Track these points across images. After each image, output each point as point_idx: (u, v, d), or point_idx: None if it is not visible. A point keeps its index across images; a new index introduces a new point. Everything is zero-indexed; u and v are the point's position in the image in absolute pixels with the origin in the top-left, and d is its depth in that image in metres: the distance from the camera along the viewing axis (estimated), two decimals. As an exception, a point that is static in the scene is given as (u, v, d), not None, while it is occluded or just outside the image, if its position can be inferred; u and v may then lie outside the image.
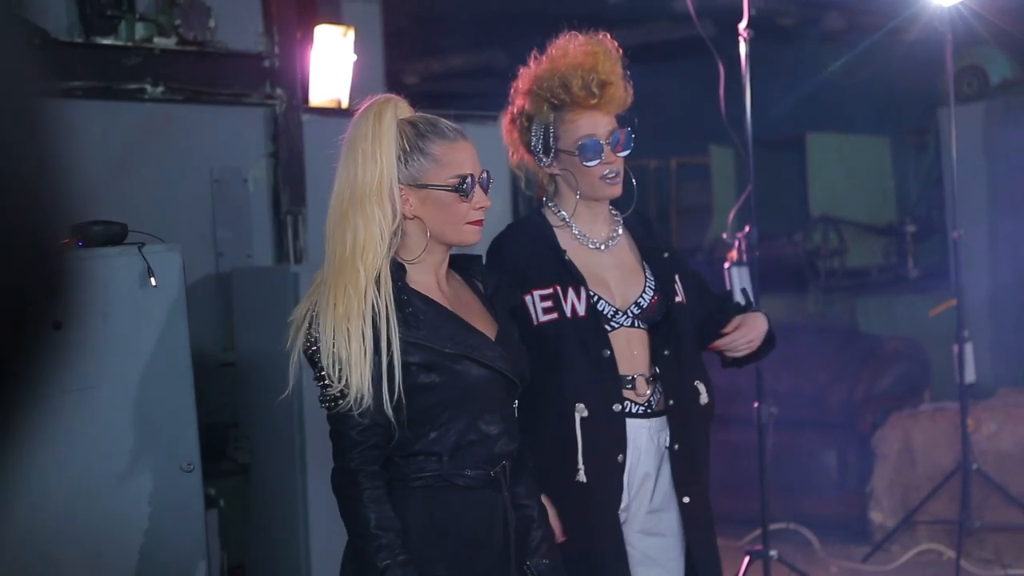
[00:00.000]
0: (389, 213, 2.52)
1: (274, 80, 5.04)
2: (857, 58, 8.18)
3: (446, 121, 2.64)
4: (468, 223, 2.61)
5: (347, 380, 2.46)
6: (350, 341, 2.46)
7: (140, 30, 4.71)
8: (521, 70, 3.14)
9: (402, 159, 2.55)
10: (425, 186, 2.57)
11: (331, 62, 5.63)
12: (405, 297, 2.55)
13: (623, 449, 3.01)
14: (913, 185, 8.66)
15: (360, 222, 2.50)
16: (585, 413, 2.96)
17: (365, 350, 2.46)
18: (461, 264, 2.78)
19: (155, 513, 3.60)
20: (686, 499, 3.04)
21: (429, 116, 2.64)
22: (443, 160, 2.57)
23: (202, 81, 4.83)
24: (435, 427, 2.56)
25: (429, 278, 2.64)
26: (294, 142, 5.06)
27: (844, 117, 8.71)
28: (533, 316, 3.00)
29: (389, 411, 2.49)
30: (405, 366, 2.51)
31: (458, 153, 2.59)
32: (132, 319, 3.58)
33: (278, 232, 5.02)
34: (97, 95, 4.58)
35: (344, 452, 2.52)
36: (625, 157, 3.11)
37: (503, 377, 2.62)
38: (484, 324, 2.67)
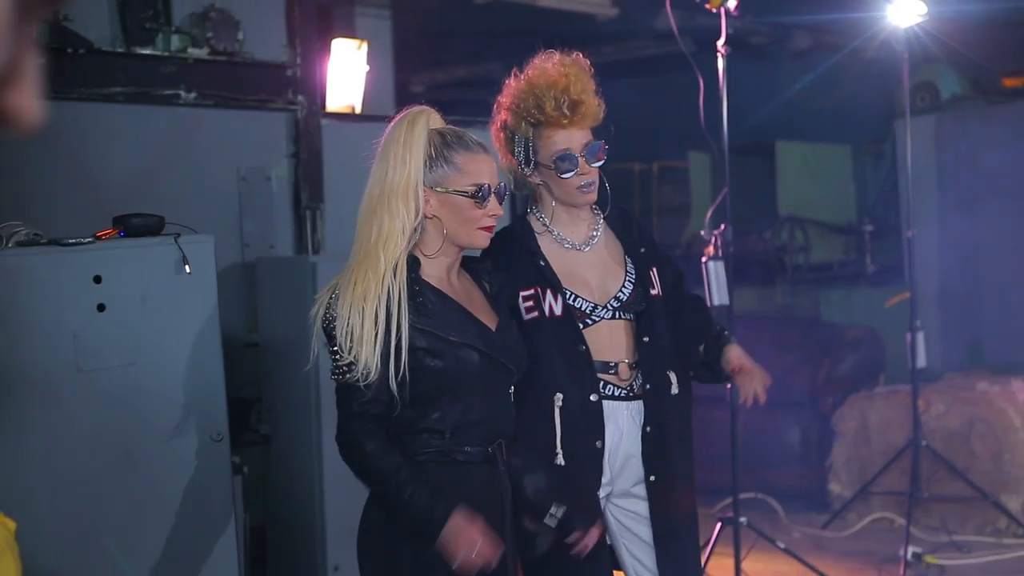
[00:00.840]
0: (412, 211, 2.58)
1: (296, 88, 5.04)
2: (822, 74, 8.20)
3: (471, 135, 2.70)
4: (480, 228, 2.67)
5: (357, 353, 2.50)
6: (363, 319, 2.51)
7: (176, 41, 4.71)
8: (505, 84, 3.11)
9: (428, 164, 2.60)
10: (446, 190, 2.62)
11: (346, 72, 5.64)
12: (417, 288, 2.59)
13: (601, 435, 3.00)
14: (871, 189, 8.66)
15: (386, 216, 2.56)
16: (561, 403, 2.96)
17: (377, 329, 2.51)
18: (472, 265, 2.82)
19: (188, 478, 3.60)
20: (652, 478, 3.03)
21: (457, 129, 2.70)
22: (464, 169, 2.62)
23: (231, 88, 4.83)
24: (438, 408, 2.59)
25: (441, 273, 2.69)
26: (313, 144, 5.06)
27: (809, 127, 8.70)
28: (520, 314, 3.02)
29: (394, 387, 2.53)
30: (412, 349, 2.54)
31: (478, 164, 2.65)
32: (168, 303, 3.58)
33: (298, 226, 5.02)
34: (136, 100, 4.58)
35: (346, 420, 2.57)
36: (600, 166, 3.08)
37: (501, 365, 2.66)
38: (487, 317, 2.71)
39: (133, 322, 3.51)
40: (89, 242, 3.48)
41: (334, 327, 2.55)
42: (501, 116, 3.12)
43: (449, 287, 2.69)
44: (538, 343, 2.96)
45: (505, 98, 3.10)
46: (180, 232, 3.62)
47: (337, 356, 2.55)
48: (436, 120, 2.67)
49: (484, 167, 2.66)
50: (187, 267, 3.57)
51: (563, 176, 3.03)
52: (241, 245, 4.86)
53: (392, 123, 2.65)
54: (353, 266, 2.58)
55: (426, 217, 2.63)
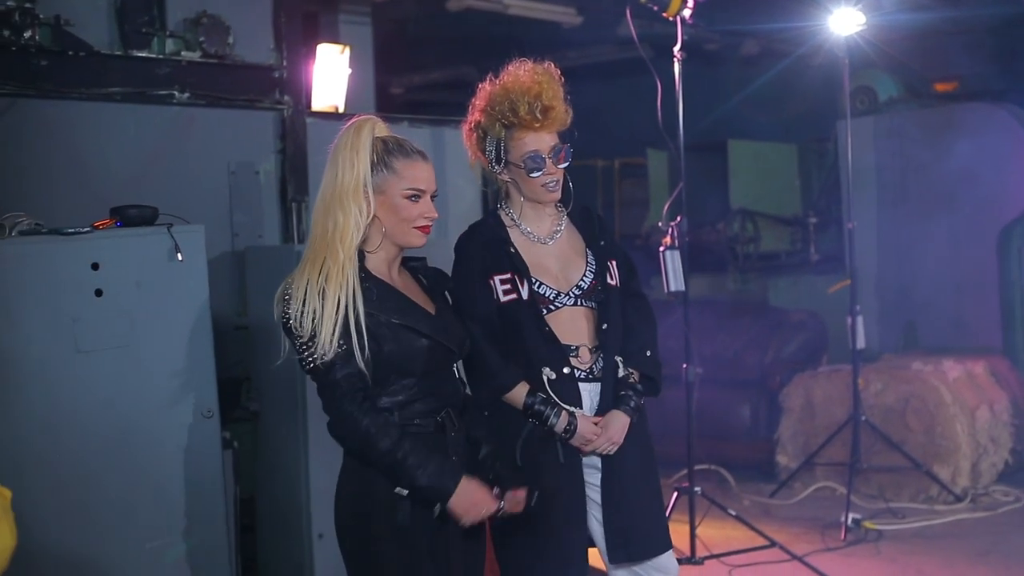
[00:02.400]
0: (364, 209, 2.63)
1: (282, 88, 4.99)
2: (770, 78, 8.21)
3: (411, 143, 2.75)
4: (415, 227, 2.71)
5: (316, 332, 2.52)
6: (325, 301, 2.54)
7: (170, 45, 4.65)
8: (478, 87, 3.13)
9: (371, 168, 2.65)
10: (385, 191, 2.66)
11: (330, 74, 5.58)
12: (363, 275, 2.63)
13: (579, 403, 3.04)
14: (815, 184, 8.69)
15: (340, 214, 2.61)
16: (553, 376, 2.99)
17: (337, 311, 2.54)
18: (410, 263, 2.85)
19: (181, 452, 3.56)
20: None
21: (399, 137, 2.75)
22: (402, 174, 2.67)
23: (222, 88, 4.77)
24: (385, 387, 2.62)
25: (382, 267, 2.73)
26: (299, 141, 5.02)
27: (759, 127, 8.71)
28: (496, 296, 3.02)
29: (362, 364, 2.55)
30: (358, 329, 2.56)
31: (415, 170, 2.69)
32: (162, 288, 3.54)
33: (284, 217, 4.97)
34: (133, 100, 4.52)
35: (337, 400, 2.57)
36: (565, 168, 3.11)
37: (442, 346, 2.69)
38: (426, 305, 2.75)
39: (129, 306, 3.47)
40: (87, 231, 3.44)
41: (294, 316, 2.55)
42: (474, 117, 3.13)
43: (390, 279, 2.73)
44: (516, 322, 3.00)
45: (479, 101, 3.11)
46: (173, 222, 3.58)
47: (304, 345, 2.56)
48: (381, 128, 2.72)
49: (421, 173, 2.70)
50: (179, 255, 3.54)
51: (531, 175, 3.05)
52: (231, 235, 4.82)
53: (341, 131, 2.69)
54: (310, 258, 2.61)
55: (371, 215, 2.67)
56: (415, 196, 2.68)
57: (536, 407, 2.97)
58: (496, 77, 3.11)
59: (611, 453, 3.04)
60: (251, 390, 4.49)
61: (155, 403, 3.51)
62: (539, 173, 3.05)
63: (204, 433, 3.60)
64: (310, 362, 2.57)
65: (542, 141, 3.06)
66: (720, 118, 8.09)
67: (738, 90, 8.39)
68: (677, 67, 5.04)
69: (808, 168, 8.76)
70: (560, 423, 2.97)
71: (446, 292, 2.90)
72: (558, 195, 3.12)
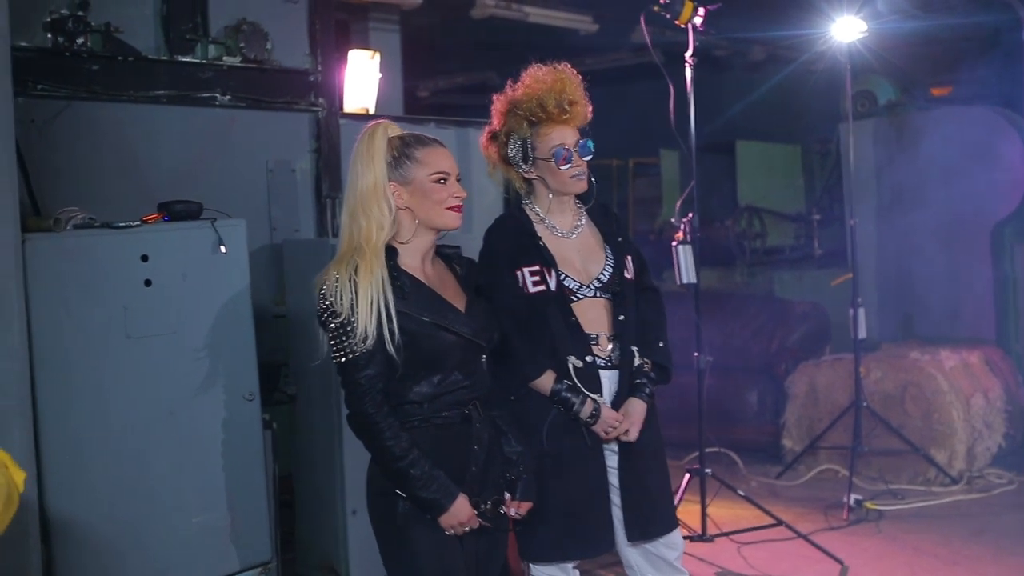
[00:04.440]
0: (386, 208, 2.63)
1: (317, 92, 4.99)
2: (776, 83, 8.17)
3: (427, 134, 2.76)
4: (448, 208, 2.69)
5: (356, 319, 2.53)
6: (358, 292, 2.55)
7: (212, 51, 4.66)
8: (495, 97, 3.14)
9: (393, 164, 2.66)
10: (412, 181, 2.65)
11: (361, 78, 5.59)
12: (395, 274, 2.62)
13: (600, 391, 3.04)
14: (818, 183, 8.65)
15: (362, 218, 2.62)
16: (580, 364, 2.98)
17: (372, 300, 2.54)
18: (446, 253, 2.84)
19: (223, 433, 3.57)
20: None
21: (414, 132, 2.76)
22: (424, 161, 2.67)
23: (260, 92, 4.78)
24: (416, 381, 2.62)
25: (416, 261, 2.71)
26: (332, 141, 5.02)
27: (765, 129, 8.68)
28: (526, 287, 3.01)
29: (392, 350, 2.56)
30: (389, 321, 2.56)
31: (437, 156, 2.70)
32: (206, 278, 3.54)
33: (319, 212, 4.98)
34: (178, 102, 4.52)
35: (358, 399, 2.58)
36: (588, 160, 3.12)
37: (470, 341, 2.68)
38: (457, 299, 2.73)
39: (175, 296, 3.48)
40: (137, 225, 3.45)
41: (331, 307, 2.56)
42: (495, 123, 3.14)
43: (423, 274, 2.71)
44: (544, 312, 2.99)
45: (500, 106, 3.12)
46: (216, 217, 3.59)
47: (335, 336, 2.56)
48: (394, 129, 2.73)
49: (443, 157, 2.71)
50: (222, 247, 3.54)
51: (561, 168, 3.04)
52: (270, 229, 4.83)
53: (357, 139, 2.70)
54: (342, 258, 2.62)
55: (399, 209, 2.67)
56: (442, 179, 2.68)
57: (563, 394, 2.96)
58: (516, 82, 3.13)
59: (633, 438, 3.04)
60: (288, 375, 4.50)
61: (200, 386, 3.52)
62: (568, 165, 3.06)
63: (246, 415, 3.61)
64: (339, 355, 2.58)
65: (567, 135, 3.07)
66: (729, 120, 8.06)
67: (746, 94, 8.36)
68: (688, 72, 5.02)
69: (811, 168, 8.72)
70: (585, 410, 2.97)
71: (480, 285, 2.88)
72: (584, 185, 3.12)
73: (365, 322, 2.53)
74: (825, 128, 8.25)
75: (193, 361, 3.51)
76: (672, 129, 5.05)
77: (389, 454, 2.57)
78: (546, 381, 2.97)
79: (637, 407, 3.04)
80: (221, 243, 3.54)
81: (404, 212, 2.67)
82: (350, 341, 2.54)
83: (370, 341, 2.53)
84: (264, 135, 4.84)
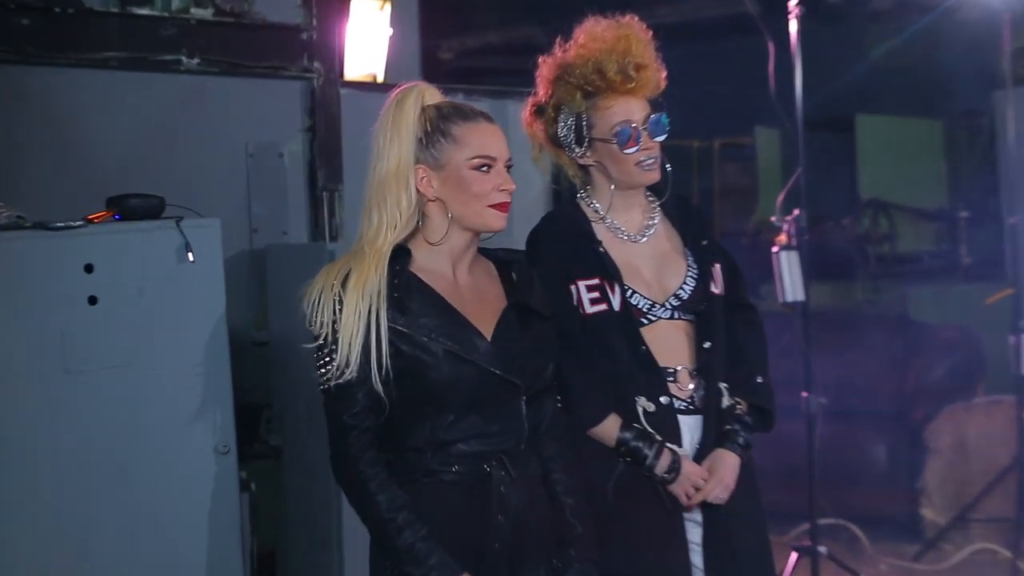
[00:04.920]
0: (404, 198, 2.62)
1: (312, 53, 5.02)
2: (909, 37, 8.11)
3: (472, 105, 2.73)
4: (490, 206, 2.67)
5: (337, 345, 2.54)
6: (344, 308, 2.54)
7: (176, 1, 4.70)
8: (542, 59, 3.14)
9: (424, 141, 2.64)
10: (446, 166, 2.64)
11: (368, 36, 5.62)
12: (397, 281, 2.60)
13: (679, 441, 3.02)
14: (966, 169, 8.59)
15: (378, 205, 2.62)
16: (652, 408, 2.97)
17: (358, 320, 2.54)
18: (501, 258, 2.82)
19: (189, 496, 3.59)
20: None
21: (455, 101, 2.74)
22: (464, 140, 2.65)
23: (238, 53, 4.81)
24: (417, 421, 2.61)
25: (443, 266, 2.69)
26: (331, 116, 5.05)
27: (895, 99, 8.63)
28: (581, 305, 3.01)
29: (378, 385, 2.55)
30: (379, 344, 2.56)
31: (480, 135, 2.66)
32: (169, 295, 3.56)
33: (314, 209, 5.01)
34: (132, 66, 4.56)
35: (340, 437, 2.60)
36: (662, 142, 3.11)
37: (496, 377, 2.64)
38: (487, 318, 2.70)
39: (129, 317, 3.50)
40: (79, 226, 3.47)
41: (312, 322, 2.59)
42: (541, 93, 3.15)
43: (450, 283, 2.69)
44: (606, 339, 2.97)
45: (548, 71, 3.12)
46: (182, 215, 3.61)
47: (317, 360, 2.60)
48: (433, 95, 2.71)
49: (488, 137, 2.67)
50: (190, 255, 3.56)
51: (626, 152, 3.04)
52: (249, 230, 4.88)
53: (384, 105, 2.69)
54: (334, 263, 2.65)
55: (428, 200, 2.66)
56: (485, 166, 2.65)
57: (632, 444, 2.95)
58: (567, 41, 3.12)
59: (722, 501, 3.01)
60: (273, 420, 4.53)
61: (159, 435, 3.53)
62: (634, 148, 3.05)
63: (218, 473, 3.62)
64: (321, 383, 2.61)
65: (633, 109, 3.07)
66: (847, 88, 8.01)
67: (869, 53, 8.32)
68: (793, 24, 5.01)
69: (957, 149, 8.68)
70: (661, 463, 2.95)
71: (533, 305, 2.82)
72: (657, 176, 3.11)
73: (347, 347, 2.54)
74: (975, 97, 8.19)
75: (151, 403, 3.52)
76: (772, 100, 5.04)
77: (374, 511, 2.57)
78: (609, 428, 2.96)
79: (728, 461, 3.02)
80: (189, 249, 3.56)
81: (434, 204, 2.67)
82: (330, 368, 2.57)
83: (351, 372, 2.54)
84: (243, 110, 4.88)
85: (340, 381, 2.55)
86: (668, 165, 3.14)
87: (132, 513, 3.49)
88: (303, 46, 5.01)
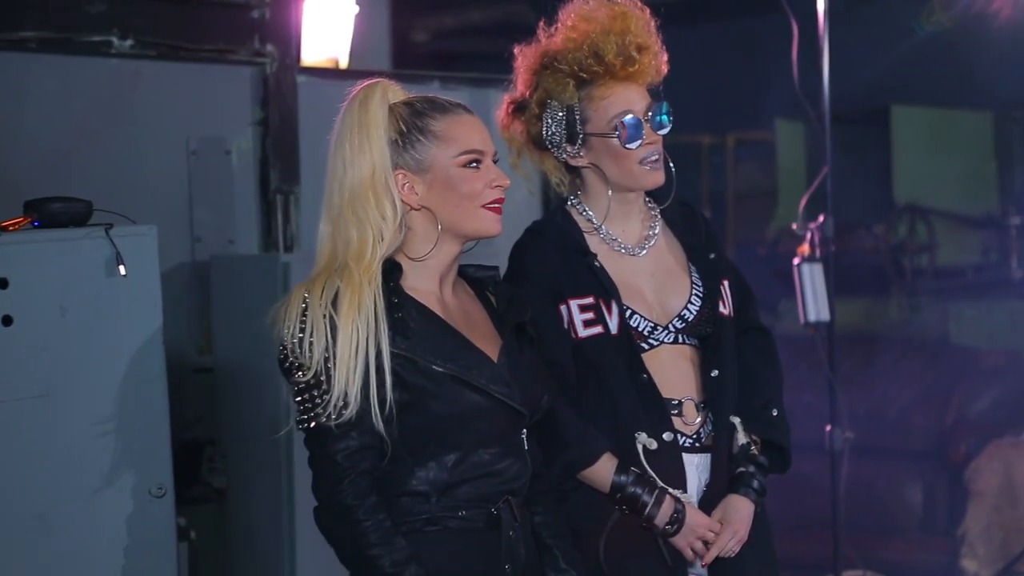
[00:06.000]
0: (388, 209, 2.62)
1: (264, 34, 5.02)
2: (953, 18, 8.15)
3: (446, 97, 2.75)
4: (484, 206, 2.68)
5: (334, 375, 2.52)
6: (336, 335, 2.53)
7: (107, -28, 4.71)
8: (518, 50, 3.15)
9: (400, 143, 2.66)
10: (430, 168, 2.66)
11: (329, 15, 5.62)
12: (396, 300, 2.61)
13: (683, 484, 3.03)
14: (1019, 170, 8.62)
15: (355, 224, 2.61)
16: (654, 446, 2.98)
17: (357, 348, 2.53)
18: (475, 276, 2.84)
19: (118, 546, 3.55)
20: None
21: (427, 95, 2.75)
22: (447, 136, 2.67)
23: (179, 34, 4.82)
24: (421, 461, 2.61)
25: (430, 284, 2.71)
26: (287, 108, 5.05)
27: (936, 88, 8.67)
28: (573, 328, 3.02)
29: (379, 424, 2.55)
30: (380, 377, 2.55)
31: (463, 128, 2.69)
32: (96, 314, 3.53)
33: (266, 214, 5.01)
34: (54, 48, 4.56)
35: (331, 483, 2.57)
36: (664, 136, 3.12)
37: (504, 406, 2.66)
38: (489, 344, 2.72)
39: (49, 340, 3.48)
40: (-9, 234, 3.47)
41: (294, 356, 2.57)
42: (520, 88, 3.16)
43: (439, 303, 2.71)
44: (602, 366, 2.99)
45: (529, 60, 3.14)
46: (113, 222, 3.59)
47: (301, 395, 2.57)
48: (396, 92, 2.72)
49: (472, 130, 2.70)
50: (122, 268, 3.54)
51: (629, 146, 3.04)
52: (191, 239, 4.87)
53: (343, 108, 2.69)
54: (313, 280, 2.61)
55: (411, 209, 2.67)
56: (474, 162, 2.68)
57: (629, 490, 2.95)
58: (550, 25, 3.13)
59: (733, 554, 3.02)
60: (216, 458, 4.53)
61: (83, 476, 3.50)
62: (638, 142, 3.05)
63: (152, 518, 3.60)
64: (305, 420, 2.58)
65: (633, 99, 3.08)
66: (881, 76, 8.06)
67: (907, 36, 8.35)
68: (822, 1, 5.03)
69: (1008, 147, 8.70)
70: (663, 513, 2.96)
71: (526, 323, 2.84)
72: (661, 176, 3.11)
73: (345, 381, 2.53)
74: (1029, 87, 8.24)
75: (74, 439, 3.50)
76: (795, 89, 5.06)
77: (374, 569, 2.55)
78: (602, 471, 2.96)
79: (741, 509, 3.03)
80: (120, 261, 3.55)
81: (419, 214, 2.68)
82: (320, 404, 2.56)
83: (352, 409, 2.54)
84: (184, 99, 4.88)
85: (333, 418, 2.54)
86: (672, 165, 3.15)
87: (53, 566, 3.47)
88: (254, 26, 5.02)
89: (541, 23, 3.15)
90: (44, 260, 3.51)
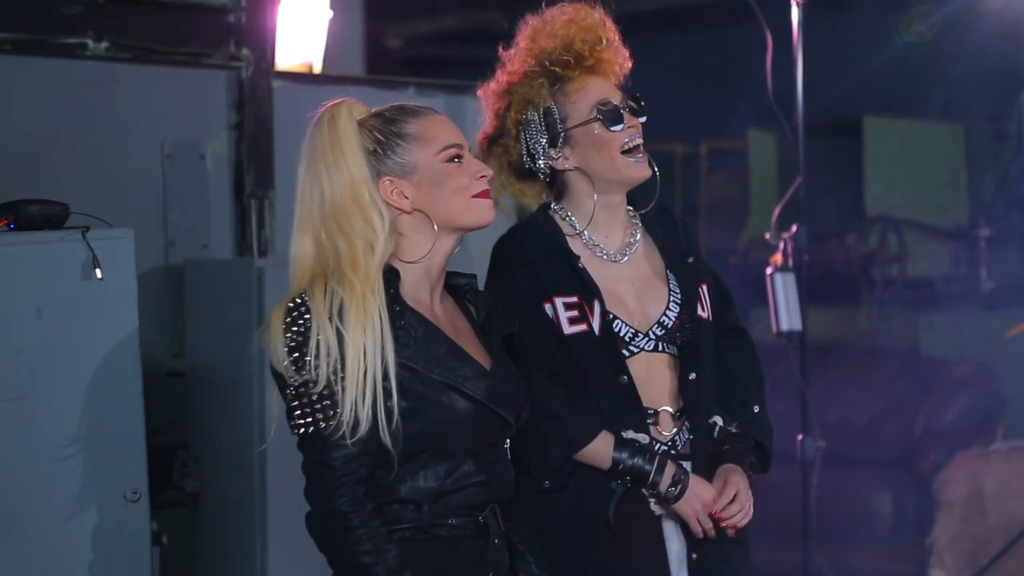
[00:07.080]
0: (376, 218, 2.61)
1: (239, 39, 5.02)
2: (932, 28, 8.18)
3: (410, 101, 2.81)
4: (476, 196, 2.71)
5: (345, 390, 2.51)
6: (346, 347, 2.52)
7: (82, -26, 4.71)
8: (481, 90, 3.20)
9: (379, 152, 2.68)
10: (415, 169, 2.68)
11: (303, 20, 5.62)
12: (398, 308, 2.61)
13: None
14: (989, 181, 8.66)
15: (341, 238, 2.60)
16: (646, 440, 2.99)
17: (368, 361, 2.52)
18: (453, 282, 2.84)
19: (92, 551, 3.54)
20: (694, 555, 3.05)
21: (392, 103, 2.77)
22: (426, 135, 2.70)
23: (154, 37, 4.81)
24: (412, 470, 2.61)
25: (421, 292, 2.71)
26: (262, 112, 5.05)
27: (908, 100, 8.70)
28: (561, 326, 3.03)
29: (387, 438, 2.54)
30: (387, 390, 2.55)
31: (438, 126, 2.73)
32: (72, 317, 3.53)
33: (240, 218, 5.00)
34: (29, 50, 4.56)
35: (328, 489, 2.56)
36: (643, 122, 3.15)
37: (495, 415, 2.68)
38: (476, 352, 2.72)
39: (24, 343, 3.48)
40: (-34, 237, 3.47)
41: (303, 372, 2.54)
42: (489, 123, 3.20)
43: (429, 309, 2.71)
44: (585, 364, 3.01)
45: (496, 88, 3.18)
46: (89, 225, 3.59)
47: (300, 397, 2.55)
48: (360, 110, 2.73)
49: (446, 127, 2.74)
50: (98, 271, 3.54)
51: (613, 128, 3.07)
52: (165, 243, 4.86)
53: (309, 131, 2.68)
54: (311, 288, 2.57)
55: (403, 214, 2.68)
56: (456, 156, 2.71)
57: (629, 461, 2.95)
58: (508, 45, 3.17)
59: (743, 524, 3.03)
60: (189, 462, 4.52)
61: (58, 481, 3.49)
62: (620, 126, 3.07)
63: (127, 523, 3.59)
64: (301, 424, 2.56)
65: (608, 88, 3.12)
66: (854, 86, 8.09)
67: (880, 47, 8.39)
68: (795, 12, 5.06)
69: (980, 158, 8.73)
70: (666, 477, 2.95)
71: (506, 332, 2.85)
72: (648, 170, 3.13)
73: (356, 397, 2.52)
74: (1000, 100, 8.27)
75: (48, 442, 3.50)
76: (768, 100, 5.08)
77: (367, 575, 2.55)
78: (602, 447, 2.96)
79: (742, 478, 3.03)
80: (96, 265, 3.54)
81: (411, 217, 2.69)
82: (323, 412, 2.54)
83: (364, 427, 2.53)
84: (159, 103, 4.87)
85: (333, 424, 2.52)
86: (656, 170, 3.16)
87: (27, 569, 3.47)
88: (229, 30, 5.02)
89: (500, 48, 3.19)
90: (20, 262, 3.50)
